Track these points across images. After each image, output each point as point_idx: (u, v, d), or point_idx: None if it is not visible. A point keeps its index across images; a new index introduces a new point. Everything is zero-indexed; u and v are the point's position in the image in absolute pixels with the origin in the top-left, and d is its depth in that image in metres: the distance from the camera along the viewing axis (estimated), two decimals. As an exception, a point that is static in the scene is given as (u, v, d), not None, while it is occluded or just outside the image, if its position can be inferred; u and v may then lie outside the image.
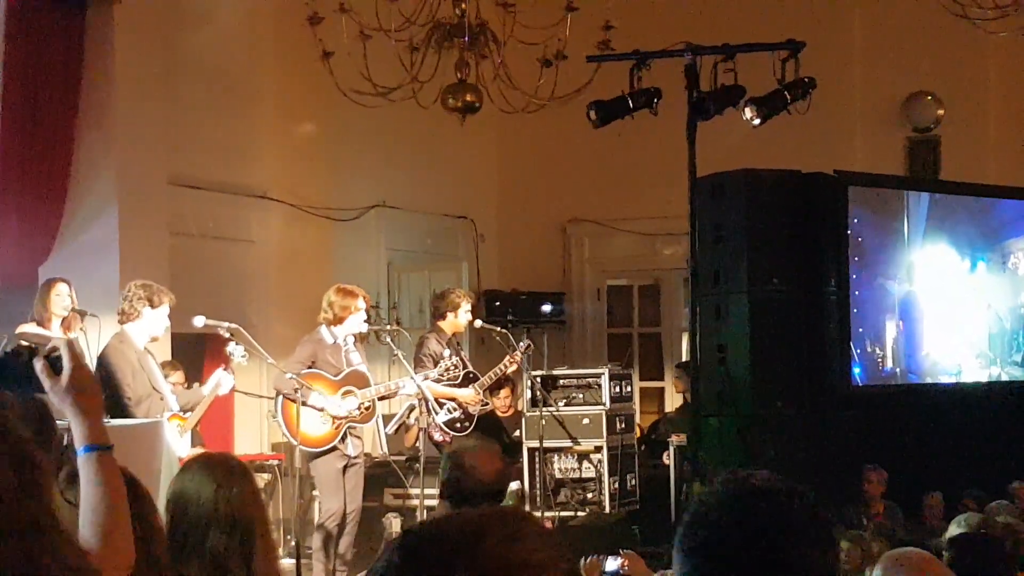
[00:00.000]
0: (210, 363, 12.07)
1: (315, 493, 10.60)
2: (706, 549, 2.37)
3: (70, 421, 3.09)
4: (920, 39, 15.14)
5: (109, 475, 3.06)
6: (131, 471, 3.63)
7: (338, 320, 10.35)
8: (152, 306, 9.30)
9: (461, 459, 5.68)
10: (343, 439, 10.25)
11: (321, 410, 10.13)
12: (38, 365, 3.05)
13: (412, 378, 10.65)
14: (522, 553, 1.82)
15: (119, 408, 8.95)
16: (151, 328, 9.37)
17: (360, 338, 11.32)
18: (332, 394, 10.24)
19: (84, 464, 3.04)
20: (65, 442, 3.08)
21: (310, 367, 10.25)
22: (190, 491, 4.46)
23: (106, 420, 8.60)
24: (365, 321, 10.73)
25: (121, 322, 9.34)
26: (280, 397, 10.17)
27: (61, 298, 9.58)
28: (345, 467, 10.29)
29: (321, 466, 10.26)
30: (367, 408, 10.31)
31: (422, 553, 1.84)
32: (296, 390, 9.87)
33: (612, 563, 5.66)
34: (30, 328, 9.44)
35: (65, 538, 2.51)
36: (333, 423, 10.20)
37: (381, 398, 10.55)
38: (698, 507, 2.43)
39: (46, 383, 3.07)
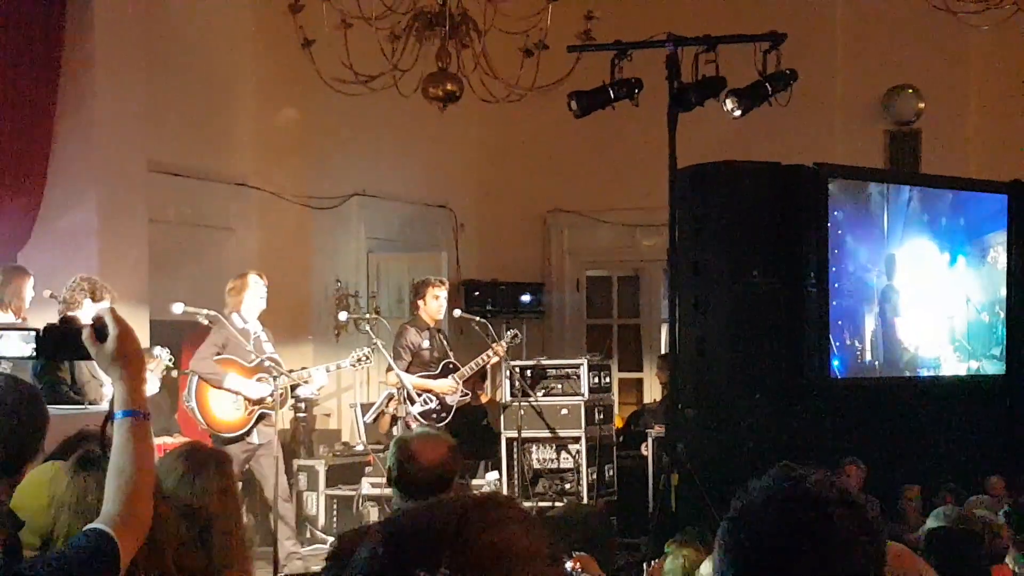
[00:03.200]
0: (188, 351, 12.05)
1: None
2: (747, 551, 2.30)
3: (112, 386, 3.22)
4: (902, 32, 15.16)
5: (141, 441, 3.18)
6: None
7: (238, 304, 10.40)
8: (93, 299, 9.40)
9: (406, 445, 5.69)
10: (254, 426, 10.28)
11: (237, 393, 10.15)
12: (85, 333, 3.19)
13: (328, 369, 10.72)
14: (505, 540, 1.82)
15: (59, 393, 9.01)
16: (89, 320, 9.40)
17: (339, 326, 11.32)
18: (248, 380, 10.28)
19: (119, 427, 3.17)
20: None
21: (221, 353, 10.28)
22: (159, 475, 4.50)
23: (85, 409, 8.63)
24: (345, 311, 10.74)
25: (61, 311, 9.41)
26: (195, 379, 10.19)
27: (29, 291, 9.65)
28: (249, 458, 10.26)
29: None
30: (280, 395, 10.30)
31: (406, 543, 1.84)
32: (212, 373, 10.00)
33: (565, 564, 5.68)
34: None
35: None
36: (246, 409, 10.22)
37: (293, 386, 10.53)
38: (745, 503, 2.34)
39: (92, 350, 3.20)
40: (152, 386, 10.22)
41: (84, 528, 3.10)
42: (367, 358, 10.90)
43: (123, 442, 3.15)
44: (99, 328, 3.19)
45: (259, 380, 10.30)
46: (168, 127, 12.26)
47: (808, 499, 2.31)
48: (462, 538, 1.79)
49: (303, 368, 11.13)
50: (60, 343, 3.28)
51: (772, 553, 2.28)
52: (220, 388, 10.09)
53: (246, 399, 10.20)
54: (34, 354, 3.29)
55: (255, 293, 10.48)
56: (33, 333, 3.27)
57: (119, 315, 3.24)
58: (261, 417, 10.31)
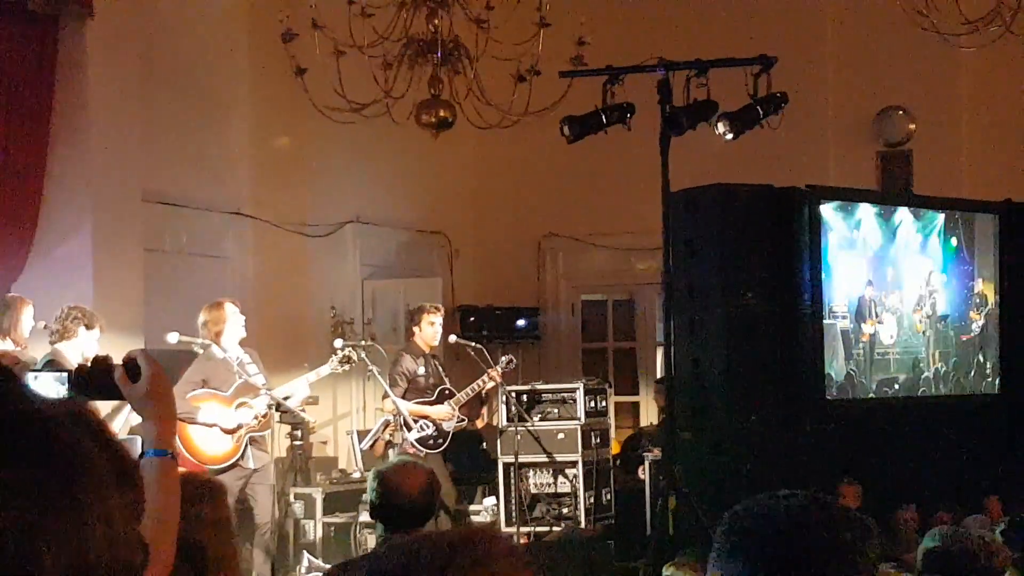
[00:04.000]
0: (184, 380, 12.05)
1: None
2: (748, 551, 2.33)
3: (142, 425, 3.25)
4: (891, 54, 15.20)
5: (168, 481, 3.20)
6: None
7: (218, 335, 10.34)
8: (88, 328, 9.44)
9: (384, 477, 5.68)
10: (245, 452, 10.23)
11: (212, 426, 10.11)
12: (117, 373, 3.22)
13: (308, 379, 10.67)
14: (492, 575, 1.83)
15: None
16: (85, 349, 9.48)
17: (335, 353, 11.31)
18: (227, 408, 10.21)
19: (147, 466, 3.17)
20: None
21: (203, 387, 10.20)
22: None
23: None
24: (340, 338, 10.71)
25: (53, 342, 9.44)
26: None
27: (29, 319, 9.66)
28: (245, 485, 10.22)
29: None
30: (264, 416, 10.24)
31: None
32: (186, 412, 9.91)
33: None
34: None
35: None
36: (233, 437, 10.18)
37: (278, 407, 10.44)
38: (734, 516, 2.39)
39: (124, 390, 3.22)
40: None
41: None
42: (348, 360, 10.82)
43: (151, 481, 3.12)
44: (131, 368, 3.22)
45: (240, 407, 10.25)
46: (162, 156, 12.27)
47: (792, 495, 2.38)
48: (448, 573, 1.80)
49: (286, 386, 11.05)
50: (93, 383, 3.30)
51: (773, 545, 2.32)
52: (195, 424, 10.06)
53: (222, 430, 10.16)
54: (67, 395, 3.30)
55: (235, 322, 10.41)
56: (66, 374, 3.31)
57: (150, 355, 3.27)
58: (252, 441, 10.27)
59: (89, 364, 3.33)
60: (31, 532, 1.29)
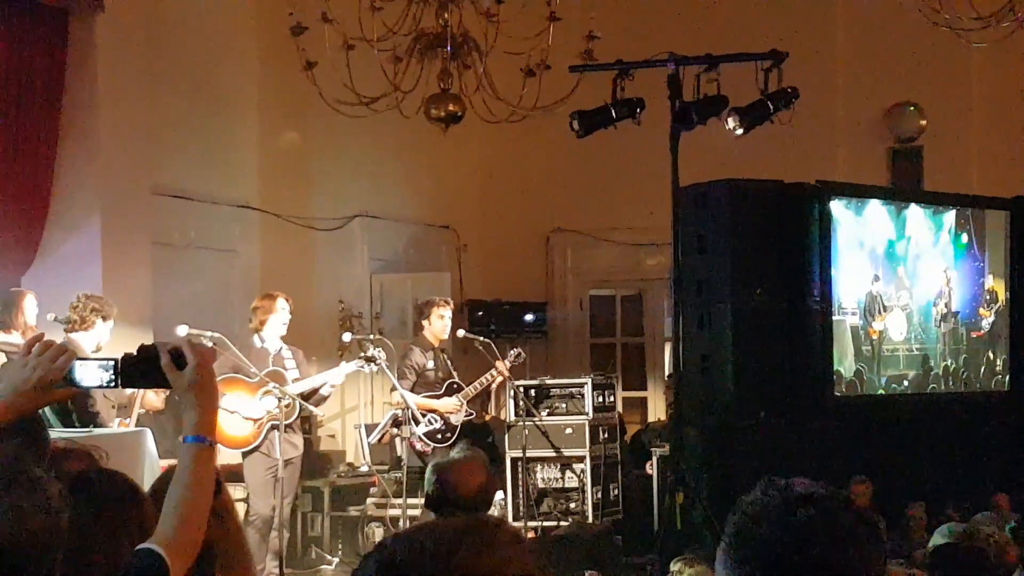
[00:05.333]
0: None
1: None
2: (757, 559, 2.32)
3: (184, 411, 3.31)
4: (903, 50, 15.18)
5: (204, 468, 3.26)
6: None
7: (261, 324, 10.45)
8: (104, 319, 9.47)
9: (445, 473, 5.64)
10: (265, 439, 10.26)
11: (234, 412, 10.17)
12: (163, 360, 3.29)
13: (337, 372, 10.71)
14: (496, 564, 1.82)
15: (89, 415, 9.04)
16: (100, 339, 9.52)
17: (343, 347, 11.29)
18: (251, 396, 10.26)
19: (186, 451, 3.26)
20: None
21: (235, 374, 10.27)
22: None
23: (90, 431, 8.61)
24: (348, 332, 10.70)
25: (70, 331, 9.43)
26: None
27: (32, 308, 9.67)
28: (274, 476, 10.24)
29: (248, 467, 10.34)
30: (287, 406, 10.25)
31: (397, 565, 1.84)
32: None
33: None
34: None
35: None
36: (254, 423, 10.24)
37: (306, 396, 10.45)
38: (743, 518, 2.38)
39: (170, 377, 3.29)
40: (158, 404, 10.24)
41: (136, 548, 3.14)
42: (373, 360, 10.83)
43: (187, 466, 3.24)
44: (177, 356, 3.28)
45: (265, 395, 10.30)
46: (171, 150, 12.27)
47: (803, 498, 2.36)
48: (453, 561, 1.80)
49: (314, 377, 11.04)
50: (139, 371, 3.36)
51: (783, 554, 2.30)
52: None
53: (243, 416, 10.25)
54: (112, 382, 3.36)
55: (279, 319, 10.53)
56: (111, 362, 3.34)
57: (196, 345, 3.35)
58: (272, 429, 10.28)
59: (135, 352, 3.36)
60: None
